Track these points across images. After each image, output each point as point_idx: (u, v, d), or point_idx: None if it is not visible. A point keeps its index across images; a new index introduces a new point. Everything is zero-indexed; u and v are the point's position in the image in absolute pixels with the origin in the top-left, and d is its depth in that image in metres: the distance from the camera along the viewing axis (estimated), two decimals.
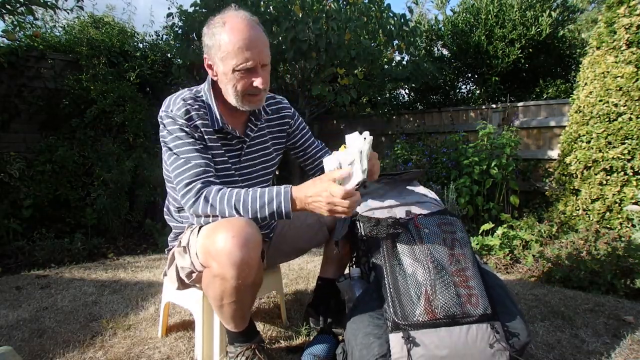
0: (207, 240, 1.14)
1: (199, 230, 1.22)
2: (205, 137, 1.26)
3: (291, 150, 1.57)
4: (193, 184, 1.17)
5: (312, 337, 1.48)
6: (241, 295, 1.17)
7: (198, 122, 1.25)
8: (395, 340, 1.07)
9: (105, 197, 3.33)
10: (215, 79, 1.28)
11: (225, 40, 1.18)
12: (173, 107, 1.24)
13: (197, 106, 1.26)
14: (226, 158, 1.32)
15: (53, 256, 2.87)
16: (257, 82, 1.21)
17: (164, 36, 4.56)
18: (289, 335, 1.58)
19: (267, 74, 1.27)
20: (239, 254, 1.07)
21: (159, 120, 1.27)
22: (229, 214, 1.15)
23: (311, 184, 1.12)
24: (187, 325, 1.69)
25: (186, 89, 1.31)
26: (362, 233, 1.29)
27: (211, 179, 1.21)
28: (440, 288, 1.10)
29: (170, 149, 1.24)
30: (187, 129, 1.23)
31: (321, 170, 1.38)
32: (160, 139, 1.27)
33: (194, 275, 1.28)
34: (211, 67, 1.27)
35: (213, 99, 1.30)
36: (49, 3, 2.95)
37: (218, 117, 1.29)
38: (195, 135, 1.24)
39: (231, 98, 1.26)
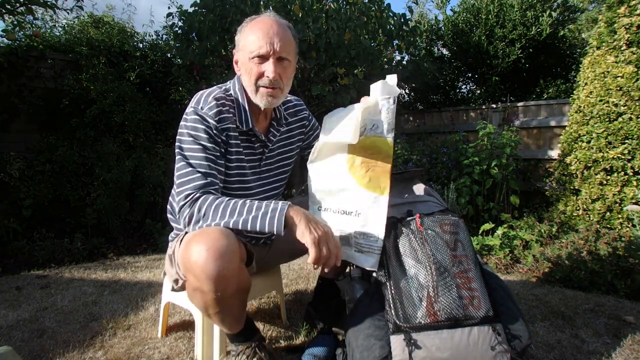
0: (184, 252, 1.09)
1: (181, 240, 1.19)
2: (230, 140, 1.25)
3: (305, 149, 1.55)
4: (192, 195, 1.13)
5: (312, 338, 1.48)
6: (225, 304, 1.13)
7: (227, 125, 1.23)
8: (397, 342, 1.06)
9: (105, 197, 3.33)
10: (239, 74, 1.30)
11: (248, 32, 1.22)
12: (204, 105, 1.22)
13: (227, 107, 1.25)
14: (245, 164, 1.31)
15: (53, 256, 2.87)
16: (268, 71, 1.21)
17: (164, 36, 4.56)
18: (289, 335, 1.57)
19: (284, 70, 1.24)
20: (213, 266, 1.02)
21: (185, 115, 1.23)
22: (216, 221, 1.09)
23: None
24: (187, 325, 1.69)
25: (216, 87, 1.29)
26: None
27: (212, 190, 1.16)
28: (443, 290, 1.10)
29: (181, 149, 1.20)
30: (211, 132, 1.20)
31: None
32: (178, 134, 1.23)
33: (179, 282, 1.27)
34: (237, 63, 1.29)
35: (245, 99, 1.30)
36: (48, 3, 2.94)
37: (249, 117, 1.28)
38: (219, 139, 1.21)
39: (249, 90, 1.26)
